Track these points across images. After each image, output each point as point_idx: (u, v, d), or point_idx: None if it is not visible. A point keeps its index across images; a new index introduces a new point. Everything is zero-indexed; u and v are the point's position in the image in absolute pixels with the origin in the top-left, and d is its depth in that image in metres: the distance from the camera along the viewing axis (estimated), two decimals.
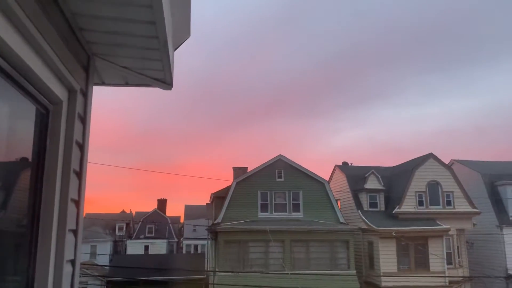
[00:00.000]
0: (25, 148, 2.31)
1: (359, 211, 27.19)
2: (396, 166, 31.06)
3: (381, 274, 24.19)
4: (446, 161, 29.48)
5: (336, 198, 27.20)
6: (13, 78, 2.08)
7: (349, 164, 33.10)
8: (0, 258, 2.05)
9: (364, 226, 26.07)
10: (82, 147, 2.80)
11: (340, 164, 32.70)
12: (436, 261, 24.58)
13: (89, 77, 2.94)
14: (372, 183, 27.74)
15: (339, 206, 27.03)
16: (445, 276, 24.27)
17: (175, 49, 3.13)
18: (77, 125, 2.70)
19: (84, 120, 2.84)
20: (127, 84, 3.25)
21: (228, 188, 27.01)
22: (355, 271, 24.34)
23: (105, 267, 40.96)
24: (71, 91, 2.66)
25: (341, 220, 25.76)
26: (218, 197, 27.81)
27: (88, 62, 2.89)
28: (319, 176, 26.48)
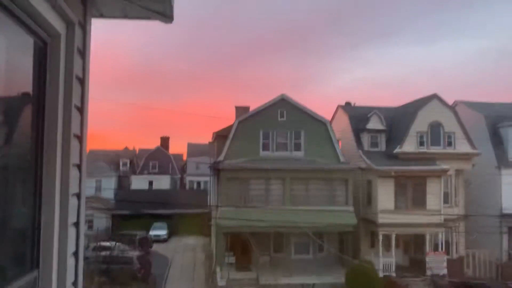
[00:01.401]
0: (25, 83, 2.28)
1: (360, 150, 27.42)
2: (399, 107, 30.91)
3: (378, 212, 24.81)
4: (450, 102, 29.25)
5: (338, 138, 27.28)
6: (10, 10, 2.01)
7: (352, 105, 32.93)
8: (6, 194, 2.10)
9: (364, 166, 26.39)
10: (82, 81, 2.77)
11: (343, 104, 32.53)
12: (433, 200, 25.17)
13: (87, 9, 2.84)
14: (374, 123, 27.75)
15: (340, 146, 27.23)
16: (440, 214, 24.96)
17: None
18: (77, 59, 2.65)
19: (83, 54, 2.78)
20: (126, 17, 3.14)
21: (230, 127, 27.09)
22: (352, 208, 25.03)
23: (110, 201, 42.19)
24: (69, 24, 2.59)
25: (341, 159, 26.03)
26: (221, 136, 27.96)
27: None
28: (321, 116, 26.48)
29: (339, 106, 31.96)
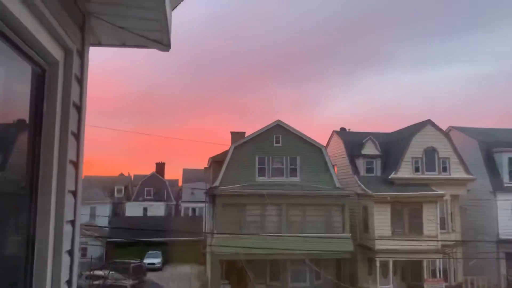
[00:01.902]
0: (22, 110, 2.30)
1: (355, 176, 27.56)
2: (393, 132, 31.21)
3: (376, 238, 24.67)
4: (444, 128, 29.53)
5: (333, 164, 27.47)
6: (8, 38, 2.04)
7: (347, 130, 33.19)
8: (1, 220, 2.08)
9: (360, 191, 26.43)
10: (79, 108, 2.78)
11: (338, 129, 32.77)
12: (430, 226, 25.08)
13: (85, 37, 2.89)
14: (369, 149, 27.94)
15: (336, 172, 27.33)
16: (438, 240, 24.80)
17: (173, 9, 3.06)
18: (74, 86, 2.67)
19: (81, 81, 2.81)
20: (124, 45, 3.19)
21: (226, 152, 27.24)
22: (349, 234, 24.87)
23: (105, 228, 41.68)
24: (67, 52, 2.62)
25: (337, 185, 26.10)
26: (216, 162, 28.07)
27: (84, 21, 2.83)
28: (317, 142, 26.68)
29: (334, 132, 32.25)
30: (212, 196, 26.61)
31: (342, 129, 33.25)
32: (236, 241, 23.18)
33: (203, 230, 37.34)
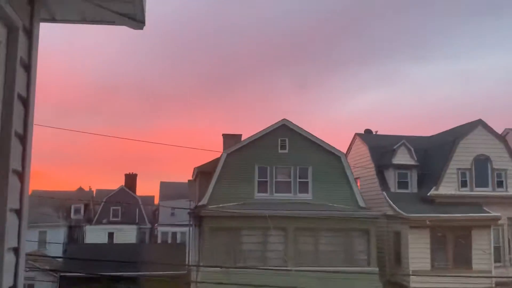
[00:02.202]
0: None
1: (384, 192, 27.51)
2: (434, 135, 31.21)
3: (410, 273, 24.59)
4: (499, 131, 29.50)
5: (355, 176, 27.39)
6: None
7: (374, 133, 33.23)
8: None
9: (390, 212, 26.41)
10: (26, 102, 2.78)
11: (362, 132, 32.83)
12: (481, 257, 25.00)
13: (35, 11, 2.88)
14: (403, 157, 27.93)
15: (359, 186, 27.31)
16: (491, 277, 24.72)
17: None
18: (20, 73, 2.67)
19: (28, 67, 2.81)
20: (85, 20, 3.19)
21: (216, 161, 27.12)
22: (376, 268, 24.78)
23: (58, 259, 41.50)
24: (11, 29, 2.62)
25: (361, 203, 26.04)
26: (204, 173, 27.94)
27: None
28: (334, 148, 26.64)
29: (356, 135, 32.22)
30: (198, 217, 26.42)
31: (367, 131, 33.26)
32: (228, 277, 23.04)
33: (186, 262, 37.15)
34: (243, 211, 24.61)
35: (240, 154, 26.36)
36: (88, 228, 56.20)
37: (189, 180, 35.61)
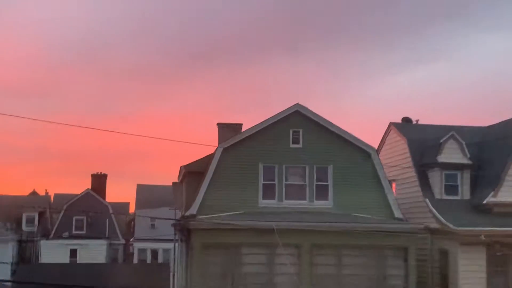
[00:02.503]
0: None
1: (427, 199, 27.43)
2: (492, 126, 31.10)
3: None
4: None
5: (389, 178, 27.33)
6: None
7: (414, 122, 33.02)
8: None
9: (435, 225, 26.35)
10: None
11: (399, 121, 32.66)
12: None
13: None
14: (452, 154, 27.82)
15: (394, 191, 27.29)
16: None
17: None
18: None
19: None
20: None
21: (209, 158, 27.02)
22: None
23: (5, 283, 41.56)
24: None
25: (397, 214, 26.05)
26: (193, 173, 28.00)
27: None
28: (363, 142, 26.57)
29: (392, 125, 32.13)
30: (185, 231, 26.39)
31: (406, 120, 33.13)
32: None
33: None
34: (244, 222, 24.43)
35: (240, 149, 26.39)
36: (44, 244, 56.34)
37: (173, 183, 35.46)
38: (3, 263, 46.25)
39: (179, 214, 33.68)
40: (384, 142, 32.70)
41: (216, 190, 25.82)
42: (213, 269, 24.43)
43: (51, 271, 44.22)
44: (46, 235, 58.03)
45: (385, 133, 32.84)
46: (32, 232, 57.93)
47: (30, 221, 59.41)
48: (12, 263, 49.58)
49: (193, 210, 25.68)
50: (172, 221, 33.26)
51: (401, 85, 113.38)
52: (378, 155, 27.60)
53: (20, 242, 55.83)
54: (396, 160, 30.33)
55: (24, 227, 58.79)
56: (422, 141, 29.39)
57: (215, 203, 25.61)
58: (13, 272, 47.45)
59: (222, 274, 24.48)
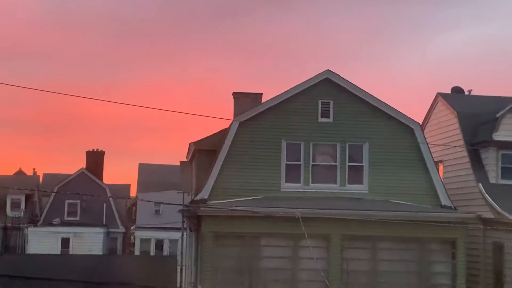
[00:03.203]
0: None
1: (480, 184, 27.36)
2: None
3: None
4: None
5: (435, 159, 27.21)
6: None
7: (465, 93, 33.11)
8: None
9: (489, 214, 26.29)
10: None
11: (448, 91, 32.60)
12: None
13: None
14: (510, 130, 27.81)
15: (441, 174, 27.13)
16: None
17: None
18: None
19: None
20: None
21: (222, 134, 27.23)
22: None
23: None
24: None
25: (444, 200, 25.94)
26: (204, 152, 28.25)
27: None
28: (405, 115, 26.50)
29: (439, 96, 32.03)
30: (195, 218, 26.57)
31: (456, 90, 33.09)
32: None
33: (178, 284, 37.39)
34: (263, 209, 24.31)
35: (260, 123, 26.40)
36: (31, 231, 56.79)
37: (181, 162, 35.57)
38: None
39: (188, 199, 33.64)
40: (430, 116, 32.71)
41: (231, 171, 25.87)
42: (226, 263, 24.52)
43: (40, 263, 44.35)
44: (34, 222, 58.47)
45: (431, 105, 32.80)
46: (18, 218, 58.33)
47: (15, 205, 59.78)
48: None
49: (204, 194, 25.68)
50: (179, 207, 33.29)
51: (451, 47, 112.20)
52: (422, 131, 27.38)
53: (4, 229, 56.14)
54: (443, 138, 30.30)
55: (8, 212, 59.12)
56: (475, 116, 29.38)
57: (230, 186, 25.68)
58: None
59: (237, 269, 24.61)
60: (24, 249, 55.37)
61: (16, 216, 58.43)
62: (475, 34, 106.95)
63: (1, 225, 55.83)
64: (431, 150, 27.01)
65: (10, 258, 48.00)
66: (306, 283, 24.50)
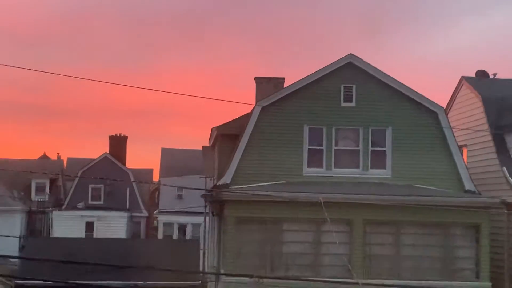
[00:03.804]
0: None
1: (504, 168, 27.22)
2: None
3: None
4: None
5: (459, 143, 27.18)
6: None
7: (490, 76, 32.76)
8: None
9: None
10: None
11: (472, 75, 32.31)
12: None
13: None
14: None
15: (465, 159, 27.05)
16: None
17: None
18: None
19: None
20: None
21: (244, 118, 27.30)
22: (489, 284, 24.54)
23: (12, 259, 42.19)
24: None
25: (468, 185, 25.84)
26: (226, 136, 28.26)
27: None
28: (428, 99, 26.35)
29: (463, 80, 31.79)
30: (217, 202, 26.65)
31: (480, 73, 32.71)
32: None
33: (201, 268, 37.52)
34: (286, 194, 24.37)
35: (282, 108, 26.43)
36: (56, 215, 57.10)
37: (204, 147, 35.56)
38: (10, 236, 46.83)
39: (210, 184, 33.70)
40: (454, 100, 32.45)
41: (253, 156, 25.97)
42: (249, 247, 24.72)
43: (65, 246, 44.75)
44: (58, 206, 58.78)
45: (455, 89, 32.55)
46: (42, 202, 58.62)
47: (40, 189, 60.14)
48: (20, 237, 50.26)
49: (227, 179, 25.73)
50: (202, 192, 33.34)
51: (476, 31, 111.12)
52: (446, 115, 27.22)
53: (29, 213, 56.51)
54: (468, 122, 30.08)
55: (33, 196, 59.46)
56: (500, 99, 29.23)
57: (252, 171, 25.78)
58: (22, 247, 48.14)
59: (259, 253, 24.76)
60: (49, 233, 55.72)
61: (41, 200, 58.76)
62: (500, 18, 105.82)
63: (26, 209, 56.09)
64: (455, 134, 26.94)
65: (35, 242, 48.43)
66: (328, 268, 24.55)
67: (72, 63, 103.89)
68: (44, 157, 72.40)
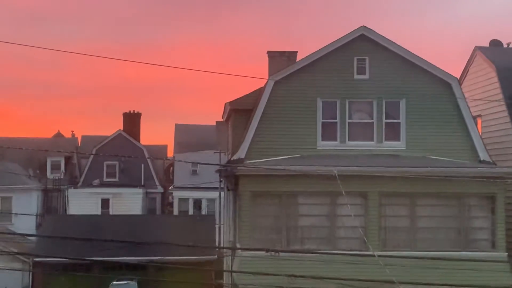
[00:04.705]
0: None
1: None
2: None
3: None
4: None
5: (473, 114, 27.01)
6: None
7: (505, 46, 32.56)
8: None
9: None
10: None
11: (486, 45, 32.06)
12: None
13: None
14: None
15: (480, 130, 26.93)
16: None
17: None
18: None
19: None
20: None
21: (258, 93, 27.30)
22: (505, 254, 24.52)
23: (29, 237, 42.45)
24: None
25: (483, 156, 25.75)
26: (239, 111, 28.28)
27: None
28: (442, 70, 26.16)
29: (477, 50, 31.52)
30: (232, 177, 26.66)
31: (495, 43, 32.56)
32: (278, 265, 23.04)
33: (217, 243, 37.68)
34: (300, 167, 24.37)
35: (295, 81, 26.27)
36: (71, 192, 57.35)
37: (217, 122, 35.52)
38: (27, 214, 47.15)
39: (224, 159, 33.72)
40: (468, 70, 32.21)
41: (267, 130, 25.93)
42: (264, 221, 24.79)
43: (81, 224, 45.14)
44: (74, 183, 59.02)
45: (469, 59, 32.31)
46: (58, 180, 58.81)
47: (55, 167, 60.33)
48: (37, 215, 50.55)
49: (241, 153, 25.73)
50: (216, 167, 33.41)
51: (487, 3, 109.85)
52: (460, 86, 27.01)
53: (45, 191, 56.76)
54: (482, 92, 29.97)
55: (49, 174, 59.69)
56: None
57: (266, 146, 25.77)
58: (38, 225, 48.46)
59: (274, 227, 24.81)
60: (65, 210, 56.02)
61: (56, 178, 59.01)
62: None
63: (42, 187, 56.34)
64: (469, 105, 26.82)
65: (51, 219, 48.66)
66: (343, 240, 24.62)
67: (86, 41, 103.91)
68: (59, 135, 72.49)
